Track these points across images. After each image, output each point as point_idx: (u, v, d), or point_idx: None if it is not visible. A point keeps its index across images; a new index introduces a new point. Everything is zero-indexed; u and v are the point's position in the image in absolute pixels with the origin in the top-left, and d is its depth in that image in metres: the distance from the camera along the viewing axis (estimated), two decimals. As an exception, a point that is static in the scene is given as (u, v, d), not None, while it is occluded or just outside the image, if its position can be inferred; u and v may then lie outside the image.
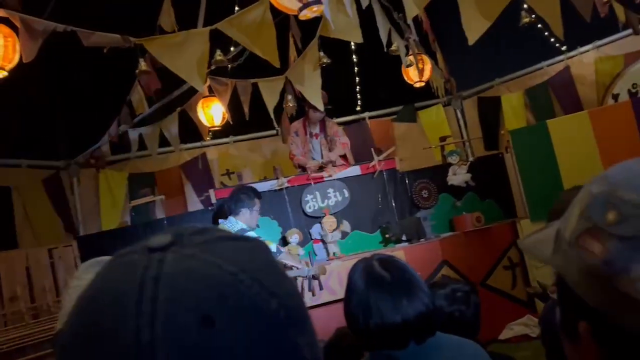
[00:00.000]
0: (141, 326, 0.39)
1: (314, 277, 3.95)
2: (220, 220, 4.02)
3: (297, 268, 3.96)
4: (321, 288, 4.00)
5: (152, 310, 0.39)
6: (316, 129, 5.13)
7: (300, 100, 4.99)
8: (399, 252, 4.31)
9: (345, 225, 4.72)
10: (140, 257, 0.43)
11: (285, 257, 4.01)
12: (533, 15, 4.45)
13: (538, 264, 4.64)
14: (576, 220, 0.58)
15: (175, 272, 0.42)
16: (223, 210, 4.27)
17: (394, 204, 5.01)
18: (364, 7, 3.63)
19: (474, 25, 3.39)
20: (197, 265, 0.43)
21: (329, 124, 5.18)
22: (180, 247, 0.44)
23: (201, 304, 0.40)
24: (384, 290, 1.31)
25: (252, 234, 4.00)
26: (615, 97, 5.71)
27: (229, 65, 4.93)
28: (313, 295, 3.98)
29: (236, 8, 4.61)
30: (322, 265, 3.99)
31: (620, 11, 4.78)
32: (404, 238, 4.75)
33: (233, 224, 3.88)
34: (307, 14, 2.42)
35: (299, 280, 3.95)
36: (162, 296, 0.40)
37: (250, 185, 4.54)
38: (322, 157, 5.07)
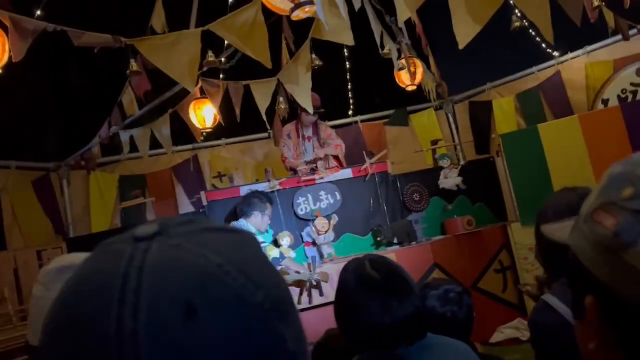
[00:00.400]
0: (124, 315, 0.39)
1: (316, 283, 3.93)
2: (232, 223, 4.04)
3: (300, 272, 3.97)
4: (321, 294, 3.97)
5: (136, 299, 0.39)
6: (309, 132, 5.13)
7: (293, 103, 4.98)
8: (390, 255, 4.30)
9: (334, 218, 4.69)
10: (125, 246, 0.43)
11: (288, 262, 4.04)
12: (525, 21, 4.48)
13: (529, 267, 4.66)
14: (594, 198, 0.60)
15: (160, 262, 0.42)
16: (235, 212, 4.33)
17: (385, 207, 5.02)
18: (356, 9, 3.63)
19: (464, 30, 3.40)
20: (181, 255, 0.43)
21: (322, 127, 5.17)
22: (166, 236, 0.44)
23: (185, 294, 0.40)
24: (374, 290, 1.30)
25: (260, 238, 4.02)
26: (605, 102, 5.76)
27: (221, 67, 4.92)
28: (310, 302, 3.95)
29: (228, 9, 4.62)
30: (325, 272, 3.99)
31: (609, 17, 4.84)
32: (395, 241, 4.75)
33: (243, 226, 3.90)
34: (299, 15, 2.41)
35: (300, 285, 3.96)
36: (145, 286, 0.40)
37: (234, 190, 4.61)
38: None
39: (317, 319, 3.90)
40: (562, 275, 1.43)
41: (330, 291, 4.02)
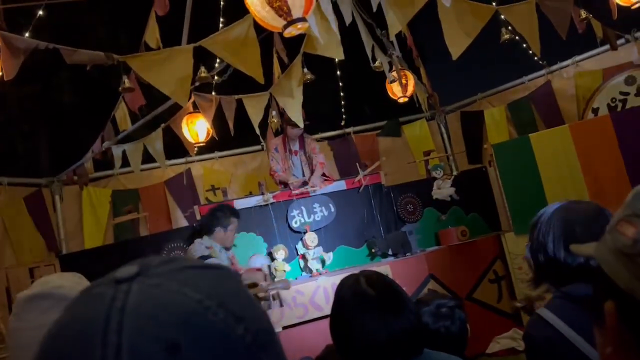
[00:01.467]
0: (107, 356, 0.39)
1: (274, 296, 3.86)
2: (196, 240, 3.95)
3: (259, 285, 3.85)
4: (281, 305, 3.91)
5: (118, 340, 0.40)
6: (295, 146, 5.11)
7: (280, 117, 4.99)
8: (385, 266, 4.31)
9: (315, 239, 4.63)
10: (107, 288, 0.44)
11: (245, 274, 3.93)
12: (516, 37, 4.53)
13: (524, 277, 4.67)
14: (621, 212, 0.66)
15: (141, 302, 0.42)
16: (198, 230, 4.23)
17: (379, 218, 5.03)
18: (347, 24, 3.67)
19: (457, 42, 3.45)
20: (162, 293, 0.44)
21: (308, 141, 5.16)
22: (146, 277, 0.45)
23: (166, 332, 0.41)
24: (370, 307, 1.30)
25: (222, 254, 3.91)
26: (595, 111, 5.82)
27: (214, 82, 4.94)
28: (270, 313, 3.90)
29: (220, 25, 4.64)
30: (285, 280, 3.94)
31: (597, 27, 4.91)
32: (390, 252, 4.76)
33: (205, 244, 3.83)
34: (291, 32, 2.43)
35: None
36: (127, 326, 0.41)
37: (228, 203, 4.53)
38: (302, 174, 5.05)
39: (312, 333, 3.90)
40: (554, 286, 1.44)
41: (325, 305, 4.01)
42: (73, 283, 1.24)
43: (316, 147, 5.18)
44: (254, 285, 3.82)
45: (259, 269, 4.08)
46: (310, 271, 4.54)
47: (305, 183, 4.91)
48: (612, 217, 0.69)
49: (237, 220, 3.98)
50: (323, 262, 4.62)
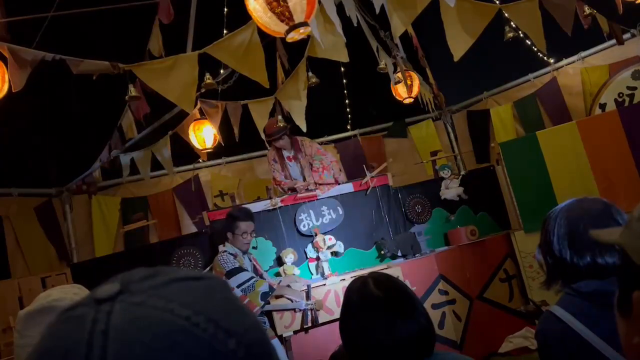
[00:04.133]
0: None
1: (311, 310, 3.88)
2: (220, 249, 3.94)
3: (295, 301, 3.89)
4: (316, 322, 3.90)
5: None
6: (291, 153, 5.04)
7: (262, 133, 4.92)
8: (395, 268, 4.30)
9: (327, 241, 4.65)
10: (87, 310, 0.42)
11: (284, 290, 3.91)
12: (520, 33, 4.52)
13: (534, 275, 4.65)
14: None
15: (124, 324, 0.40)
16: (219, 235, 4.23)
17: (388, 220, 5.01)
18: (355, 25, 3.67)
19: (459, 43, 3.44)
20: (146, 313, 0.41)
21: (306, 144, 5.07)
22: (129, 295, 0.42)
23: (154, 355, 0.39)
24: (378, 309, 1.30)
25: (245, 259, 3.90)
26: (603, 106, 5.78)
27: (219, 88, 4.96)
28: (305, 332, 3.91)
29: (224, 31, 4.66)
30: (320, 300, 3.94)
31: (603, 22, 4.88)
32: (399, 254, 4.74)
33: (228, 250, 3.83)
34: (294, 37, 2.44)
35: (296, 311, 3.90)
36: (111, 351, 0.38)
37: (240, 205, 4.52)
38: (303, 179, 5.02)
39: (323, 337, 3.90)
40: (564, 283, 1.44)
41: (335, 308, 4.00)
42: (73, 295, 1.25)
43: (320, 148, 5.15)
44: (289, 300, 3.88)
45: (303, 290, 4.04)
46: (323, 273, 4.53)
47: (311, 189, 4.88)
48: (638, 206, 0.68)
49: (245, 223, 3.85)
50: (336, 253, 4.63)
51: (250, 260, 3.99)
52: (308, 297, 3.92)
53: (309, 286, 3.99)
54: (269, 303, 3.79)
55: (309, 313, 3.88)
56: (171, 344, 0.40)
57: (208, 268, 4.10)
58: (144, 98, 4.24)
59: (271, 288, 3.73)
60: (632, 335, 0.64)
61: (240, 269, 3.70)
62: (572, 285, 1.38)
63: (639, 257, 0.62)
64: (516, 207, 4.82)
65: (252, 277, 3.68)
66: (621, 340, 0.68)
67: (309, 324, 3.91)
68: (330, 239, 4.62)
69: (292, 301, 3.91)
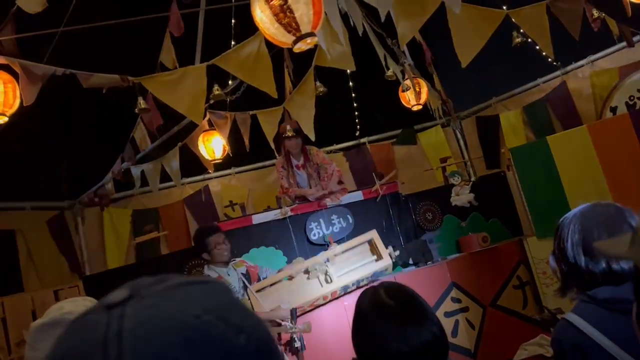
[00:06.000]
0: None
1: (298, 336, 3.67)
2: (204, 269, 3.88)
3: (283, 323, 3.70)
4: (303, 348, 3.68)
5: None
6: (300, 160, 5.00)
7: (277, 137, 4.88)
8: (406, 276, 4.27)
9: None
10: (99, 316, 0.43)
11: (271, 315, 3.76)
12: (527, 39, 4.50)
13: (548, 281, 4.59)
14: None
15: (137, 325, 0.41)
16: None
17: (398, 227, 4.99)
18: (360, 34, 3.68)
19: (466, 49, 3.44)
20: (158, 313, 0.42)
21: (313, 152, 5.03)
22: (139, 299, 0.44)
23: (169, 352, 0.40)
24: (390, 319, 1.29)
25: (231, 277, 3.79)
26: (614, 109, 5.74)
27: (228, 99, 4.99)
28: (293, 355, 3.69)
29: (232, 42, 4.70)
30: (307, 323, 3.74)
31: (612, 24, 4.85)
32: (410, 262, 4.72)
33: (209, 273, 3.75)
34: (301, 47, 2.45)
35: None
36: (127, 351, 0.39)
37: (245, 218, 4.45)
38: (310, 188, 4.98)
39: (339, 345, 3.87)
40: (580, 290, 1.42)
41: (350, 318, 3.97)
42: (84, 307, 1.25)
43: (325, 157, 5.12)
44: (277, 324, 3.72)
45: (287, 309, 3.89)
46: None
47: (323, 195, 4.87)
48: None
49: (212, 237, 3.75)
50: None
51: (239, 279, 3.86)
52: (293, 320, 3.72)
53: (293, 310, 3.81)
54: None
55: (295, 338, 3.66)
56: (185, 342, 0.40)
57: None
58: (157, 110, 4.27)
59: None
60: None
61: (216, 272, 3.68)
62: (588, 292, 1.36)
63: None
64: (528, 213, 4.78)
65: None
66: None
67: (297, 351, 3.68)
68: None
69: (279, 324, 3.72)
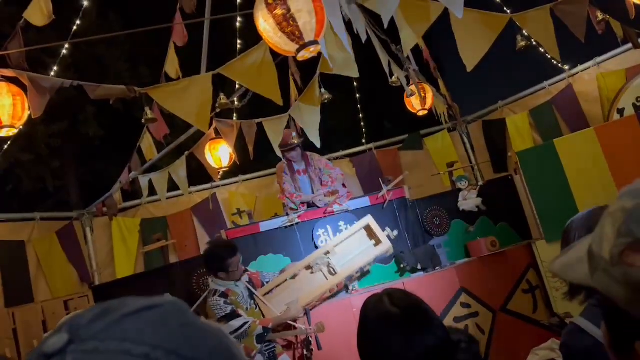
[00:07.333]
0: None
1: (311, 337, 3.76)
2: (208, 299, 3.77)
3: (296, 327, 3.80)
4: (319, 348, 3.76)
5: None
6: (302, 166, 5.02)
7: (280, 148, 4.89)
8: (415, 282, 4.26)
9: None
10: None
11: (281, 319, 3.79)
12: (533, 42, 4.50)
13: (558, 285, 4.56)
14: (614, 238, 0.57)
15: None
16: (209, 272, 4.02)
17: (406, 233, 4.97)
18: (363, 41, 3.70)
19: (471, 53, 3.44)
20: (102, 359, 0.38)
21: (315, 158, 5.06)
22: (80, 343, 0.40)
23: None
24: (395, 326, 1.29)
25: (238, 288, 3.76)
26: (621, 111, 5.70)
27: (234, 107, 5.01)
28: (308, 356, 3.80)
29: (237, 49, 4.73)
30: (320, 323, 3.81)
31: (617, 27, 4.83)
32: (419, 267, 4.70)
33: (218, 287, 3.71)
34: (305, 55, 2.47)
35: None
36: None
37: (217, 241, 4.39)
38: (312, 193, 4.99)
39: (347, 352, 3.86)
40: (588, 294, 1.41)
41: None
42: None
43: (328, 162, 5.13)
44: (290, 327, 3.76)
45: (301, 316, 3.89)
46: (347, 289, 4.48)
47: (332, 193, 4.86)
48: (599, 240, 0.59)
49: (233, 259, 3.66)
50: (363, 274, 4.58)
51: (243, 283, 3.84)
52: (307, 323, 3.77)
53: (307, 311, 3.85)
54: (267, 341, 3.67)
55: (310, 339, 3.74)
56: None
57: (195, 306, 3.99)
58: (163, 119, 4.30)
59: (266, 329, 3.60)
60: None
61: (232, 315, 3.58)
62: (597, 296, 1.35)
63: (626, 303, 0.56)
64: (537, 217, 4.75)
65: (244, 323, 3.54)
66: None
67: (312, 351, 3.75)
68: None
69: (294, 327, 3.78)
